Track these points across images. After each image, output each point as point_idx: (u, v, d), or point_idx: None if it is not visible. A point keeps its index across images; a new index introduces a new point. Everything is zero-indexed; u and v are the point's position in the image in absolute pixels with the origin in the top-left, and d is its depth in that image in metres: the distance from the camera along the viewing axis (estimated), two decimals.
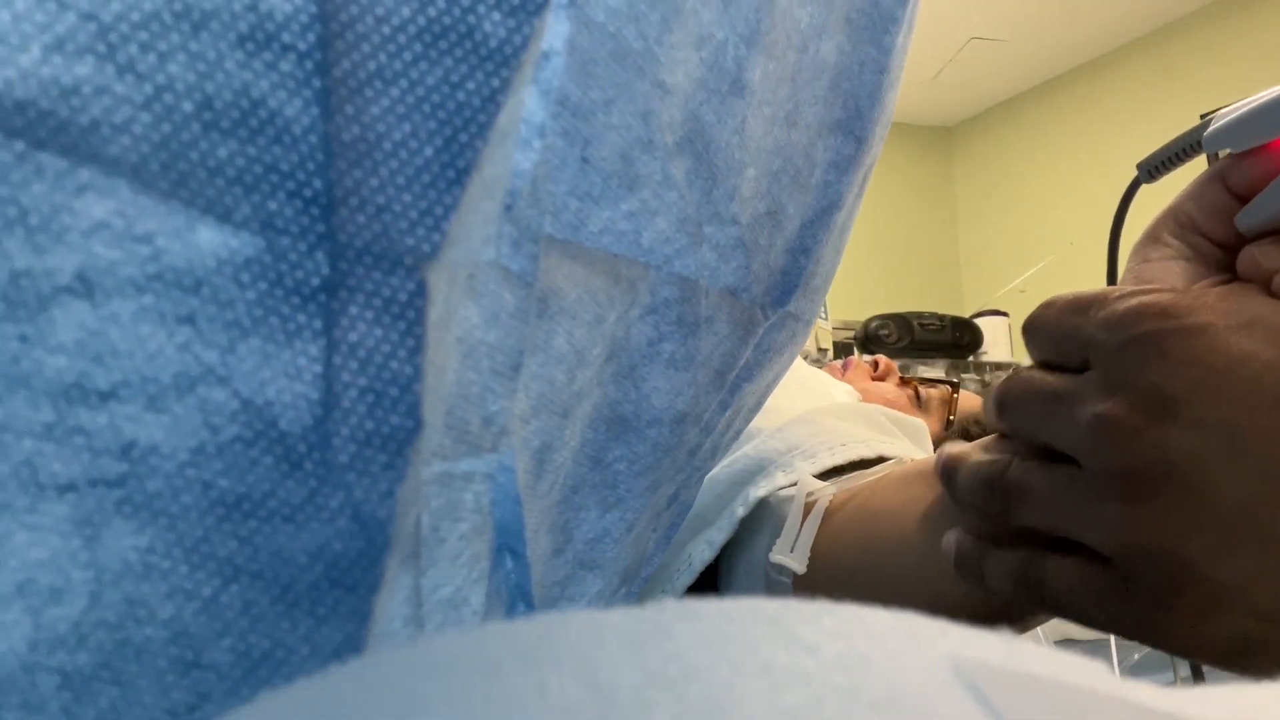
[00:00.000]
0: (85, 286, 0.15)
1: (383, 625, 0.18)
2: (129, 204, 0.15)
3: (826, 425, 0.51)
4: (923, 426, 0.65)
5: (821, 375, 0.91)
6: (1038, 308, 0.29)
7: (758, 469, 0.48)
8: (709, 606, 0.11)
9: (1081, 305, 0.26)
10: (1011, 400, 0.28)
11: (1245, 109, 0.26)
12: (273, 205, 0.16)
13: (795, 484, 0.45)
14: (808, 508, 0.43)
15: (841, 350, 2.33)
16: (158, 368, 0.15)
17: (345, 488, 0.17)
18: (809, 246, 0.33)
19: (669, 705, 0.09)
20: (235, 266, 0.16)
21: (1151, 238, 0.28)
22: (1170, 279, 0.27)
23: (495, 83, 0.17)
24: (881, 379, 1.18)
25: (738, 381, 0.34)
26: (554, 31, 0.20)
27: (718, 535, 0.46)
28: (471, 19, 0.17)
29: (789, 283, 0.33)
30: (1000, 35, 3.63)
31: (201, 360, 0.16)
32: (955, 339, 2.69)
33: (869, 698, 0.09)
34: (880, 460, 0.48)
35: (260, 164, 0.16)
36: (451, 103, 0.17)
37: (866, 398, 1.03)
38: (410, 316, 0.17)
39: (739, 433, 0.41)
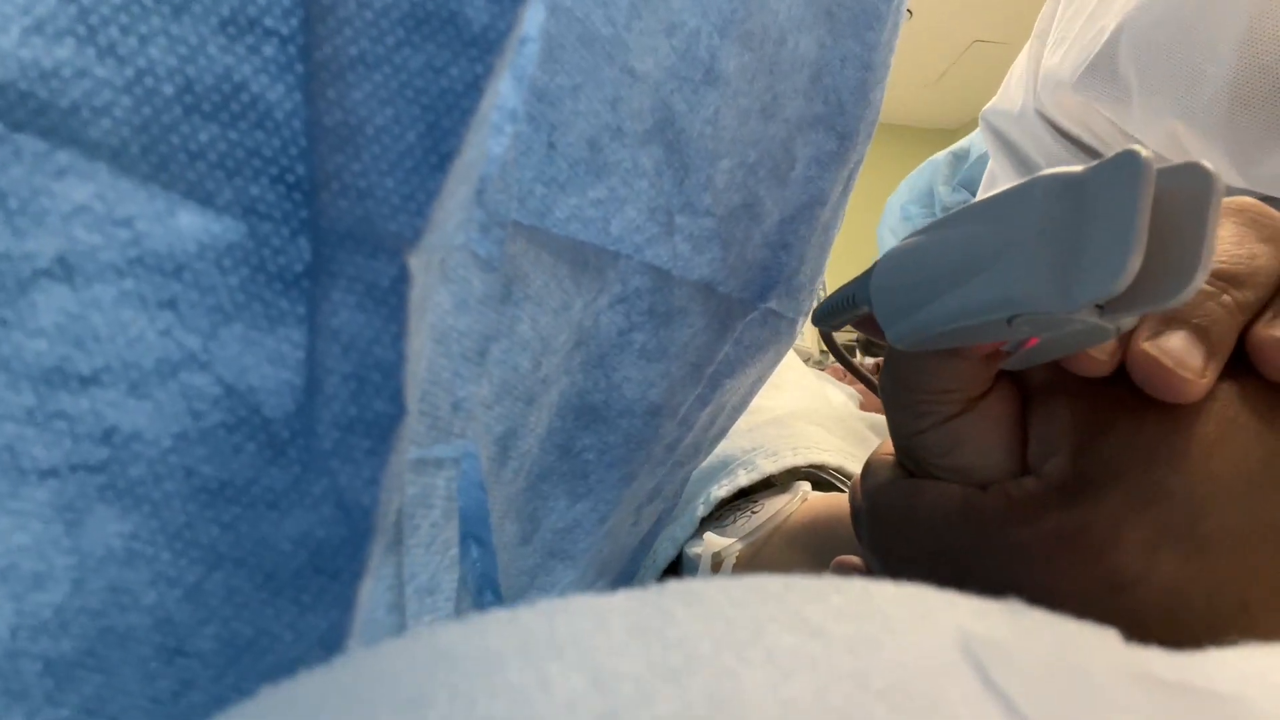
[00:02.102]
0: (65, 270, 0.15)
1: (367, 612, 0.18)
2: (109, 187, 0.15)
3: (795, 429, 0.52)
4: None
5: (810, 373, 0.92)
6: (869, 490, 0.25)
7: (721, 467, 0.50)
8: (713, 588, 0.11)
9: (948, 510, 0.22)
10: None
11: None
12: (254, 190, 0.16)
13: (733, 507, 0.48)
14: (716, 565, 0.45)
15: None
16: (139, 353, 0.15)
17: (329, 474, 0.17)
18: (790, 242, 0.33)
19: (672, 697, 0.09)
20: (217, 251, 0.16)
21: (913, 408, 0.24)
22: (999, 431, 0.23)
23: (479, 69, 0.17)
24: None
25: (717, 376, 0.34)
26: (531, 18, 0.20)
27: (680, 533, 0.48)
28: (455, 4, 0.17)
29: (769, 278, 0.33)
30: (1003, 38, 3.63)
31: (183, 346, 0.16)
32: None
33: (876, 685, 0.09)
34: (839, 469, 0.50)
35: (242, 148, 0.16)
36: (435, 89, 0.17)
37: (868, 399, 1.03)
38: (393, 302, 0.17)
39: (724, 430, 0.41)
